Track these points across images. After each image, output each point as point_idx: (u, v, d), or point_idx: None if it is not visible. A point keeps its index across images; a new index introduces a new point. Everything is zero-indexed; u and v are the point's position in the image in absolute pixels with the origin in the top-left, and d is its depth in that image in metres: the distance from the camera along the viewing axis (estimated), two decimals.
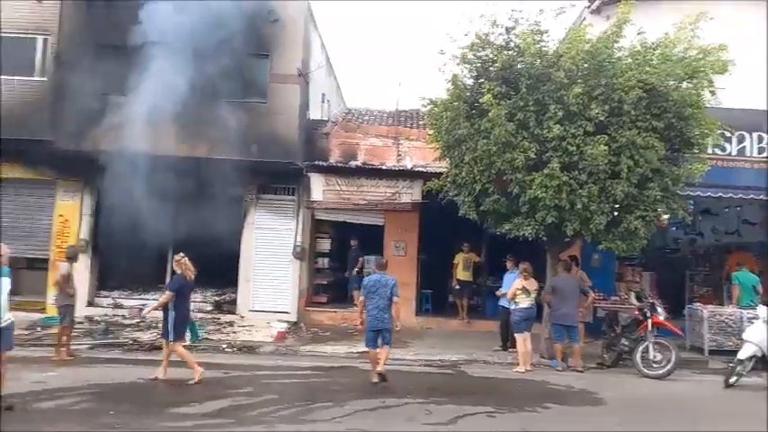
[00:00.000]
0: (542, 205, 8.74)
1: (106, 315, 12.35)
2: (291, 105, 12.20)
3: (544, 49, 9.05)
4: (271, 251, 13.13)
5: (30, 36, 12.24)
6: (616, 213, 9.01)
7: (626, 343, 9.58)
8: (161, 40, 11.04)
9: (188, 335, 8.77)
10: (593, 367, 9.66)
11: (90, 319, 11.88)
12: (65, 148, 12.00)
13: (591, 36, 9.24)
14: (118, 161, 11.77)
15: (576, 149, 8.66)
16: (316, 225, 13.46)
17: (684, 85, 9.16)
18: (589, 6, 12.42)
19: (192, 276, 8.40)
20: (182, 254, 8.48)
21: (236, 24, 11.13)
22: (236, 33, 11.10)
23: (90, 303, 12.70)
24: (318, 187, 12.80)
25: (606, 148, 8.52)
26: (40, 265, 13.18)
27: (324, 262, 13.95)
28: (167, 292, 8.08)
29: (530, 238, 9.15)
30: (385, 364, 8.17)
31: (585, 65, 9.02)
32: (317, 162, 12.68)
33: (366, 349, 8.48)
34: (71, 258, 9.59)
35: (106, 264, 13.41)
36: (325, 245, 13.87)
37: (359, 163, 12.86)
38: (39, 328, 11.02)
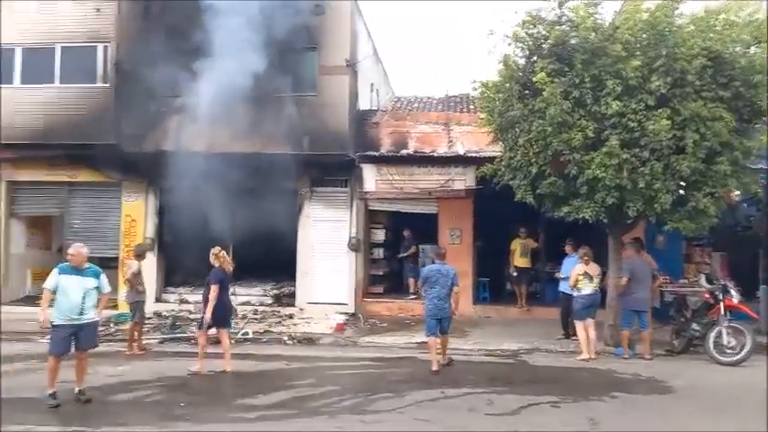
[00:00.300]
0: (602, 185, 8.38)
1: (173, 310, 12.82)
2: (341, 97, 12.23)
3: (599, 21, 8.62)
4: (326, 243, 13.26)
5: (90, 44, 12.79)
6: (682, 191, 8.52)
7: (697, 328, 9.09)
8: (215, 41, 11.31)
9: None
10: (661, 354, 9.25)
11: (158, 314, 12.36)
12: (128, 151, 12.51)
13: (649, 5, 8.74)
14: (178, 160, 12.20)
15: (636, 125, 8.24)
16: (369, 216, 13.49)
17: (752, 50, 8.53)
18: None
19: (231, 269, 8.59)
20: (218, 247, 8.66)
21: (286, 19, 11.22)
22: (285, 28, 11.19)
23: (158, 299, 13.21)
24: (371, 177, 12.81)
25: (669, 122, 8.07)
26: (111, 263, 13.87)
27: (379, 252, 13.98)
28: (212, 286, 8.14)
29: (590, 221, 8.81)
30: (446, 353, 8.66)
31: (644, 35, 8.54)
32: (368, 152, 12.67)
33: (426, 339, 8.58)
34: (139, 256, 9.99)
35: (171, 261, 13.92)
36: (379, 235, 13.89)
37: (410, 151, 12.77)
38: (112, 324, 11.59)
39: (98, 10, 12.69)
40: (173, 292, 13.73)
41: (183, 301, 13.34)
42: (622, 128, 8.33)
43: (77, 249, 6.90)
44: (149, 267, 12.63)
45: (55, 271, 6.77)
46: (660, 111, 8.11)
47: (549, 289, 12.62)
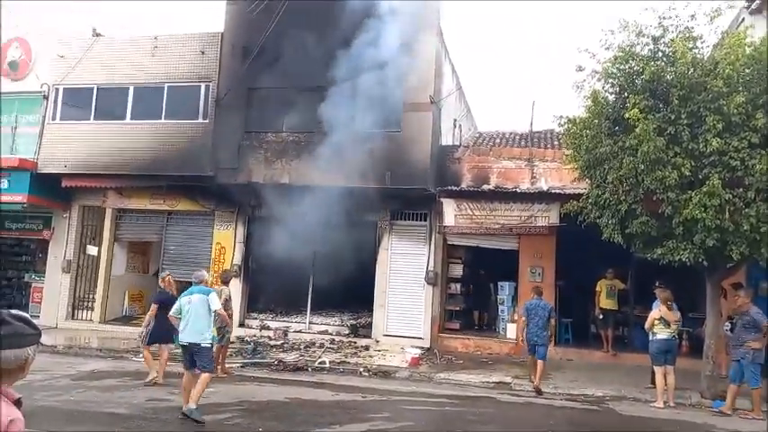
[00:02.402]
0: (701, 227, 7.89)
1: (255, 336, 13.24)
2: (424, 132, 12.38)
3: (698, 56, 8.27)
4: (404, 276, 13.29)
5: (194, 84, 13.84)
6: None
7: None
8: (305, 82, 11.93)
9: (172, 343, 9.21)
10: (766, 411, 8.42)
11: (241, 339, 12.80)
12: (222, 182, 13.27)
13: (752, 39, 8.30)
14: (264, 192, 12.80)
15: (740, 164, 7.75)
16: (448, 250, 13.41)
17: None
18: (748, 6, 11.18)
19: (175, 293, 9.22)
20: (167, 272, 10.05)
21: (376, 59, 11.61)
22: (376, 67, 11.57)
23: (241, 324, 13.68)
24: (450, 212, 12.77)
25: None
26: None
27: (456, 287, 13.81)
28: (153, 305, 9.23)
29: (688, 264, 8.29)
30: (540, 380, 9.42)
31: (747, 70, 8.09)
32: (449, 187, 12.68)
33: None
34: (226, 282, 10.43)
35: (255, 287, 14.46)
36: (457, 270, 13.74)
37: (491, 186, 12.64)
38: None
39: (203, 53, 13.75)
40: (255, 318, 14.18)
41: (264, 327, 13.74)
42: (723, 166, 7.87)
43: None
44: (234, 293, 13.17)
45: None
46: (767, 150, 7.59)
47: (637, 333, 11.89)
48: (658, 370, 8.82)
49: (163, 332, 8.98)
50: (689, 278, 9.94)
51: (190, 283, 7.96)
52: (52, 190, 14.42)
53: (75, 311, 14.99)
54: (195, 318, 7.36)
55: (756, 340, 8.23)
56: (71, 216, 15.21)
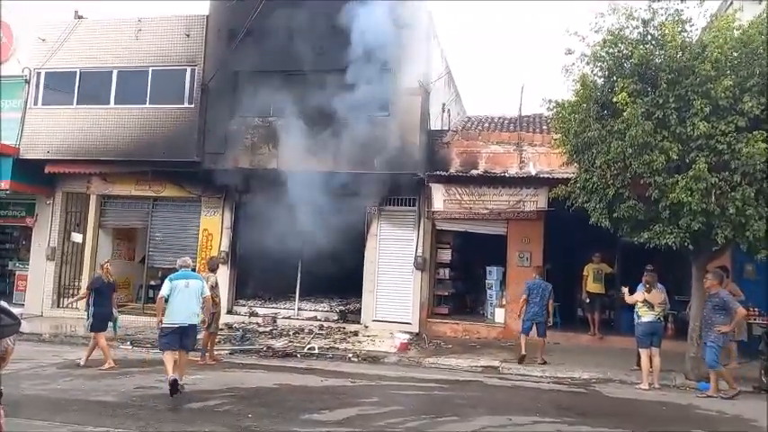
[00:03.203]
0: (687, 210, 7.93)
1: (243, 323, 13.20)
2: (413, 117, 12.31)
3: (687, 40, 8.25)
4: (393, 262, 13.29)
5: (180, 68, 13.60)
6: None
7: None
8: (293, 66, 11.77)
9: (111, 328, 9.65)
10: (748, 391, 8.55)
11: (229, 326, 12.76)
12: (208, 168, 13.12)
13: (740, 22, 8.29)
14: (251, 178, 12.68)
15: (726, 148, 7.78)
16: (437, 235, 13.42)
17: None
18: None
19: (111, 279, 9.56)
20: (107, 260, 10.21)
21: (365, 43, 11.48)
22: (364, 51, 11.44)
23: (229, 311, 13.62)
24: (439, 197, 12.75)
25: (765, 145, 7.56)
26: None
27: (445, 272, 13.85)
28: (84, 290, 9.55)
29: (674, 248, 8.34)
30: (543, 355, 10.24)
31: (735, 54, 8.10)
32: (437, 172, 12.64)
33: (520, 335, 10.34)
34: (213, 270, 10.35)
35: (243, 274, 14.39)
36: (446, 255, 13.77)
37: (480, 171, 12.63)
38: None
39: (188, 36, 13.49)
40: (243, 305, 14.14)
41: (253, 314, 13.70)
42: (710, 150, 7.90)
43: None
44: (222, 280, 13.10)
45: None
46: (755, 133, 7.62)
47: (624, 317, 12.01)
48: (644, 352, 8.91)
49: (106, 317, 9.34)
50: (675, 261, 10.03)
51: (173, 269, 8.11)
52: (35, 176, 14.18)
53: (61, 299, 14.84)
54: (189, 301, 7.70)
55: (725, 324, 8.22)
56: (55, 202, 15.01)
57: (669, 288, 9.75)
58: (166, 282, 7.82)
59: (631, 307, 10.08)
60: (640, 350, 9.03)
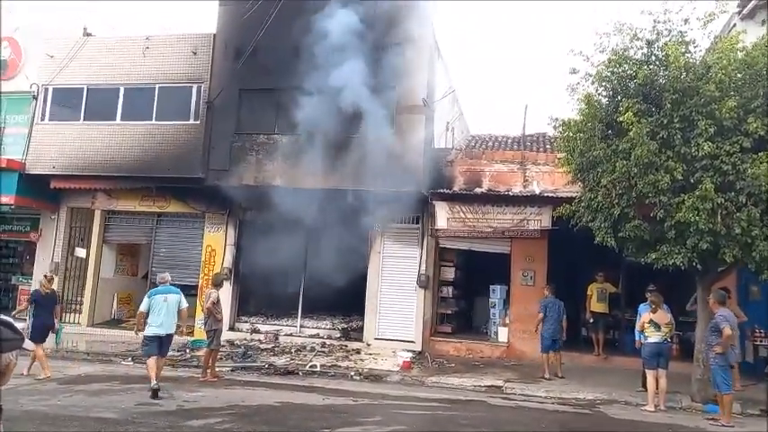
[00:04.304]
0: (694, 230, 7.91)
1: (245, 339, 13.12)
2: (417, 135, 12.37)
3: (690, 61, 8.31)
4: (396, 279, 13.24)
5: (186, 85, 13.73)
6: None
7: None
8: (298, 84, 11.88)
9: (53, 340, 10.15)
10: (755, 414, 8.45)
11: (231, 342, 12.66)
12: (213, 184, 13.16)
13: (745, 44, 8.35)
14: (255, 194, 12.71)
15: (731, 168, 7.79)
16: (440, 253, 13.38)
17: None
18: (740, 12, 11.27)
19: (48, 292, 9.93)
20: (49, 274, 10.71)
21: (367, 60, 11.58)
22: (366, 68, 11.54)
23: (231, 328, 13.56)
24: (443, 215, 12.74)
25: None
26: (190, 291, 14.47)
27: (448, 291, 13.78)
28: (24, 303, 9.89)
29: (682, 267, 8.29)
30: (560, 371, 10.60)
31: (739, 75, 8.14)
32: (441, 190, 12.65)
33: (543, 355, 10.72)
34: (217, 285, 10.32)
35: (245, 291, 14.34)
36: (449, 273, 13.72)
37: (484, 189, 12.64)
38: (188, 350, 11.99)
39: (195, 53, 13.65)
40: (245, 322, 14.06)
41: (255, 331, 13.62)
42: (715, 170, 7.89)
43: None
44: (225, 296, 13.05)
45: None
46: (761, 154, 7.63)
47: (628, 337, 11.89)
48: (650, 373, 8.81)
49: (45, 328, 9.66)
50: (680, 281, 9.95)
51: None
52: (40, 191, 14.24)
53: (63, 314, 14.75)
54: (168, 314, 8.69)
55: (718, 344, 8.07)
56: (59, 218, 15.04)
57: (673, 309, 9.67)
58: (146, 298, 8.82)
59: (635, 327, 10.02)
60: (647, 371, 8.93)
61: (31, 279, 15.06)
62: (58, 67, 14.36)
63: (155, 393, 8.11)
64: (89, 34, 14.82)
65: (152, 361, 8.49)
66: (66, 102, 14.43)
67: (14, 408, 6.98)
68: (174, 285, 9.20)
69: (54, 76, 14.42)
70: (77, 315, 14.65)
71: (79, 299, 14.76)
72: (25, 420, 6.65)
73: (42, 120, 14.54)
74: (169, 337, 8.79)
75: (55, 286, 10.78)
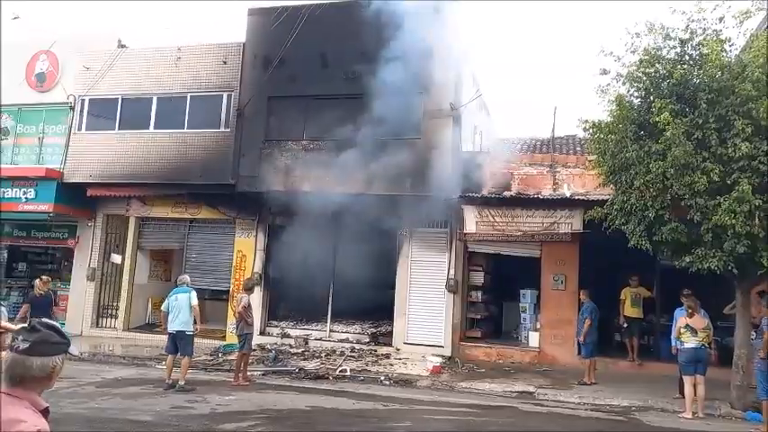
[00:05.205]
0: (731, 233, 7.70)
1: (276, 344, 13.23)
2: (444, 139, 12.35)
3: (726, 59, 8.11)
4: (424, 284, 13.20)
5: (216, 93, 14.00)
6: None
7: None
8: (325, 91, 12.00)
9: None
10: None
11: (262, 347, 12.82)
12: (243, 191, 13.37)
13: None
14: (284, 200, 12.86)
15: None
16: (469, 257, 13.30)
17: None
18: None
19: (42, 293, 10.41)
20: (44, 277, 10.99)
21: (396, 67, 11.62)
22: (396, 74, 11.58)
23: (262, 333, 13.69)
24: (471, 219, 12.65)
25: None
26: (221, 296, 14.71)
27: (478, 295, 13.68)
28: (24, 305, 10.16)
29: (718, 272, 8.08)
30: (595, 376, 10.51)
31: None
32: (469, 194, 12.58)
33: (586, 360, 10.62)
34: (249, 290, 10.46)
35: (275, 295, 14.48)
36: (478, 278, 13.61)
37: (513, 193, 12.52)
38: (220, 355, 12.17)
39: (225, 63, 13.91)
40: (276, 326, 14.19)
41: (285, 335, 13.74)
42: (752, 171, 7.68)
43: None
44: (255, 301, 13.20)
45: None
46: None
47: (664, 343, 11.61)
48: (687, 380, 8.59)
49: None
50: (717, 285, 9.69)
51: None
52: (77, 199, 14.66)
53: (100, 319, 15.17)
54: (179, 311, 9.37)
55: (762, 349, 7.84)
56: (95, 224, 15.44)
57: (711, 314, 9.41)
58: (166, 299, 9.71)
59: (670, 332, 9.78)
60: (684, 378, 8.71)
61: (69, 285, 15.51)
62: (94, 79, 14.79)
63: (169, 387, 8.94)
64: (123, 46, 15.22)
65: (169, 358, 9.26)
66: (101, 112, 14.84)
67: (56, 410, 7.13)
68: (194, 288, 9.91)
69: (90, 88, 14.85)
70: (113, 320, 15.00)
71: (115, 304, 15.12)
72: (67, 422, 6.84)
73: (79, 130, 14.98)
74: (181, 334, 9.32)
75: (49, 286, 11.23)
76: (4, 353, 2.16)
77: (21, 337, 2.11)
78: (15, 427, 1.96)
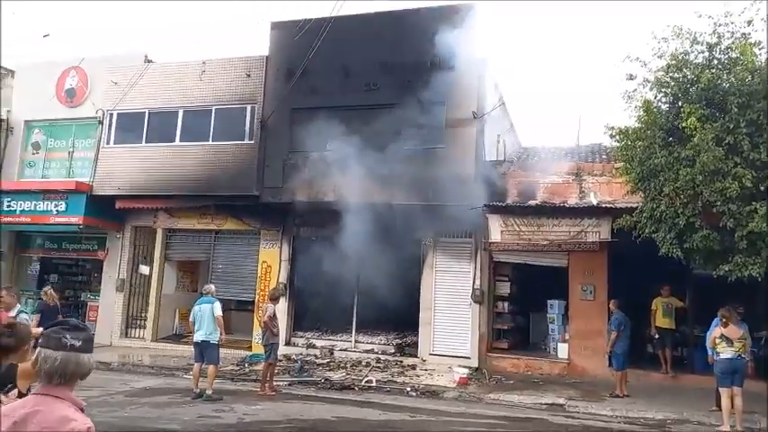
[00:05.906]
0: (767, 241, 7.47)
1: (301, 354, 13.24)
2: (468, 148, 12.29)
3: (756, 63, 7.92)
4: (449, 294, 13.08)
5: (240, 106, 14.18)
6: None
7: None
8: (348, 103, 12.05)
9: None
10: None
11: (287, 357, 12.83)
12: (267, 202, 13.47)
13: None
14: (308, 210, 12.92)
15: None
16: (495, 267, 13.15)
17: None
18: None
19: (52, 303, 10.21)
20: (48, 286, 11.10)
21: (419, 76, 11.64)
22: (418, 83, 11.61)
23: (287, 343, 13.70)
24: (497, 228, 12.51)
25: None
26: (246, 306, 14.80)
27: (504, 306, 13.50)
28: (34, 315, 9.73)
29: (758, 279, 7.83)
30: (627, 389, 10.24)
31: None
32: (494, 203, 12.47)
33: (617, 372, 10.38)
34: (274, 300, 10.51)
35: (300, 306, 14.51)
36: (504, 288, 13.44)
37: (538, 202, 12.37)
38: (246, 365, 12.21)
39: (248, 75, 14.11)
40: (301, 336, 14.20)
41: (310, 346, 13.73)
42: None
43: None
44: (280, 311, 13.23)
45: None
46: None
47: (698, 354, 11.29)
48: (724, 392, 8.30)
49: None
50: (753, 294, 9.40)
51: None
52: (106, 211, 14.93)
53: (129, 330, 15.37)
54: (202, 322, 9.47)
55: None
56: (124, 236, 15.70)
57: (750, 325, 9.12)
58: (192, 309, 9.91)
59: (704, 344, 9.51)
60: (720, 390, 8.42)
61: (99, 296, 15.77)
62: (122, 94, 15.11)
63: (197, 397, 9.08)
64: (150, 61, 15.54)
65: (195, 366, 9.47)
66: (129, 126, 15.15)
67: None
68: (219, 298, 9.96)
69: (118, 102, 15.18)
70: (142, 330, 15.18)
71: (143, 314, 15.31)
72: (97, 431, 6.90)
73: (108, 143, 15.30)
74: (205, 343, 9.42)
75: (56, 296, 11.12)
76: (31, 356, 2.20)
77: (69, 336, 2.12)
78: (67, 425, 1.98)
